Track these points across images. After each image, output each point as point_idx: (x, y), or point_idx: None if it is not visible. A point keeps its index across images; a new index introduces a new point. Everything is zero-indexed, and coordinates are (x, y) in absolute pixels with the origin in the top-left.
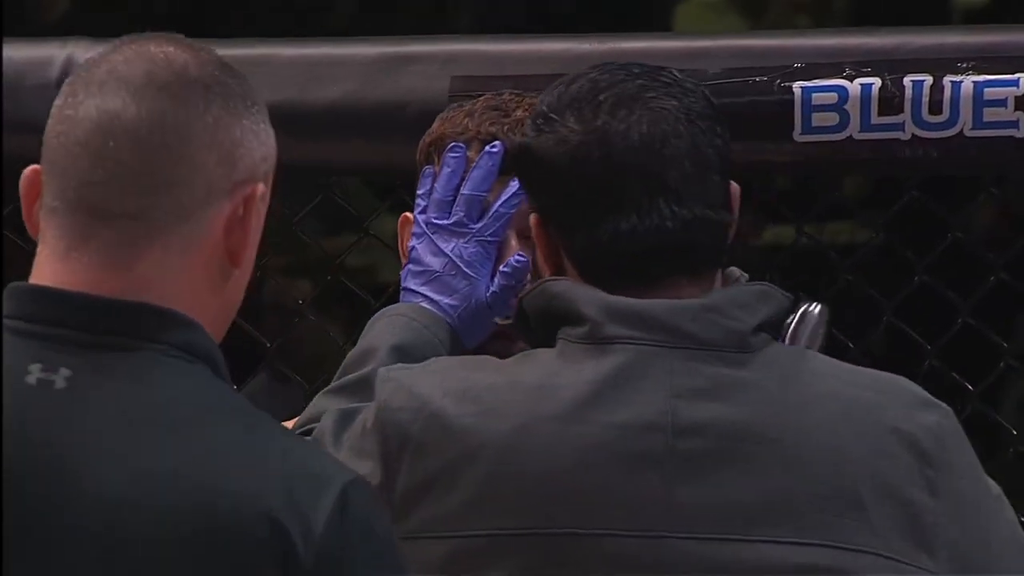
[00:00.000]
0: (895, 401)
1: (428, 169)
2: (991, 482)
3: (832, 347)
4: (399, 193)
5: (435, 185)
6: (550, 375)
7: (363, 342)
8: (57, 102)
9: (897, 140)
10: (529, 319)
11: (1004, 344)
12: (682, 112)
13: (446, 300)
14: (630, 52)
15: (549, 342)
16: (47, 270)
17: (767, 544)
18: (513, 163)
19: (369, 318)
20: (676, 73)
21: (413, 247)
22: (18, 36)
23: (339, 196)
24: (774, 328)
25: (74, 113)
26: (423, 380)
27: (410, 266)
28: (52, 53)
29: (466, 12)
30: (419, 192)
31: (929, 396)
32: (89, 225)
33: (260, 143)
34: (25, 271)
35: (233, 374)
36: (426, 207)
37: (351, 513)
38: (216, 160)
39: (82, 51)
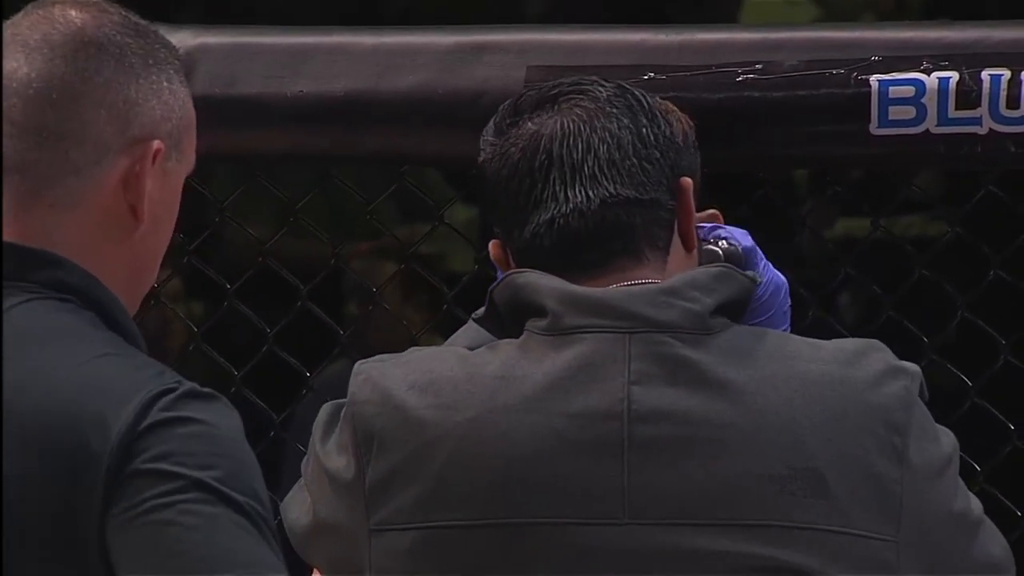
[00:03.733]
0: (862, 372)
1: None
2: (945, 440)
3: (906, 340)
4: (473, 183)
5: None
6: (510, 367)
7: (447, 342)
8: None
9: (974, 134)
10: (499, 311)
11: None
12: (600, 107)
13: None
14: (706, 43)
15: (518, 333)
16: None
17: (725, 528)
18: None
19: (442, 306)
20: (607, 79)
21: None
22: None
23: (413, 185)
24: (736, 309)
25: None
26: (390, 373)
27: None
28: None
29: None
30: None
31: (896, 361)
32: None
33: (161, 102)
34: None
35: (310, 360)
36: None
37: (152, 416)
38: (106, 118)
39: None
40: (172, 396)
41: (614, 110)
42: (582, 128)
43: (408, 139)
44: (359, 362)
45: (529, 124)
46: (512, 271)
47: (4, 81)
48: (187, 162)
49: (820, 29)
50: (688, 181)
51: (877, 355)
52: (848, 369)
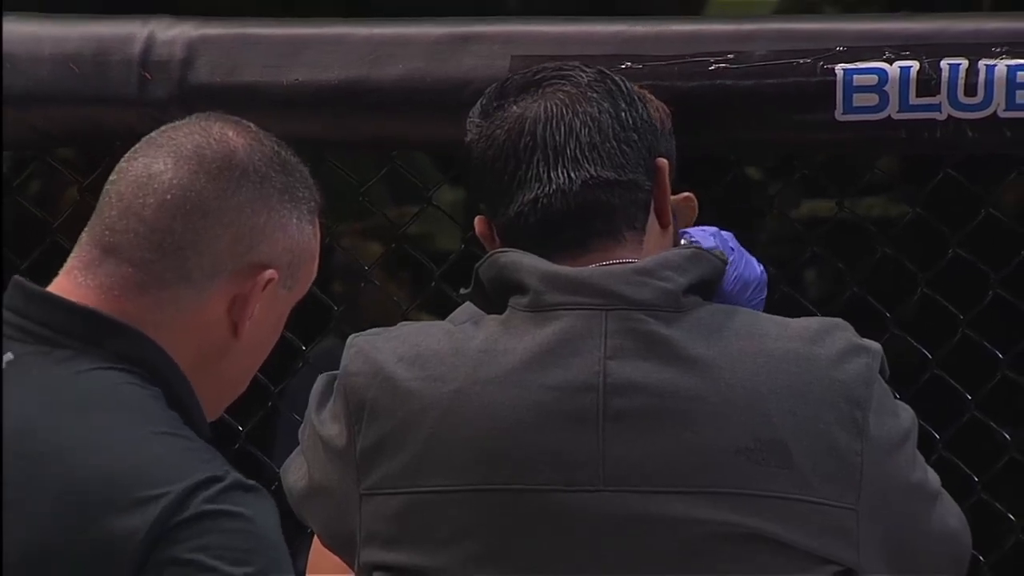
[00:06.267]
0: (825, 349)
1: None
2: (904, 415)
3: (868, 315)
4: (459, 166)
5: None
6: (493, 341)
7: (449, 317)
8: (125, 155)
9: (933, 120)
10: (484, 288)
11: None
12: (581, 91)
13: None
14: (680, 34)
15: (503, 309)
16: (56, 285)
17: (695, 495)
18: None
19: (430, 283)
20: (588, 64)
21: None
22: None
23: (403, 168)
24: (708, 288)
25: (127, 167)
26: (381, 346)
27: None
28: (135, 31)
29: None
30: None
31: (859, 339)
32: (99, 259)
33: (287, 236)
34: None
35: (303, 336)
36: None
37: (195, 507)
38: (230, 239)
39: (163, 29)
40: (217, 487)
41: (595, 94)
42: (564, 112)
43: (398, 125)
44: (352, 335)
45: (514, 107)
46: (496, 250)
47: (145, 180)
48: (299, 291)
49: (788, 21)
50: (664, 161)
51: (840, 334)
52: (812, 347)
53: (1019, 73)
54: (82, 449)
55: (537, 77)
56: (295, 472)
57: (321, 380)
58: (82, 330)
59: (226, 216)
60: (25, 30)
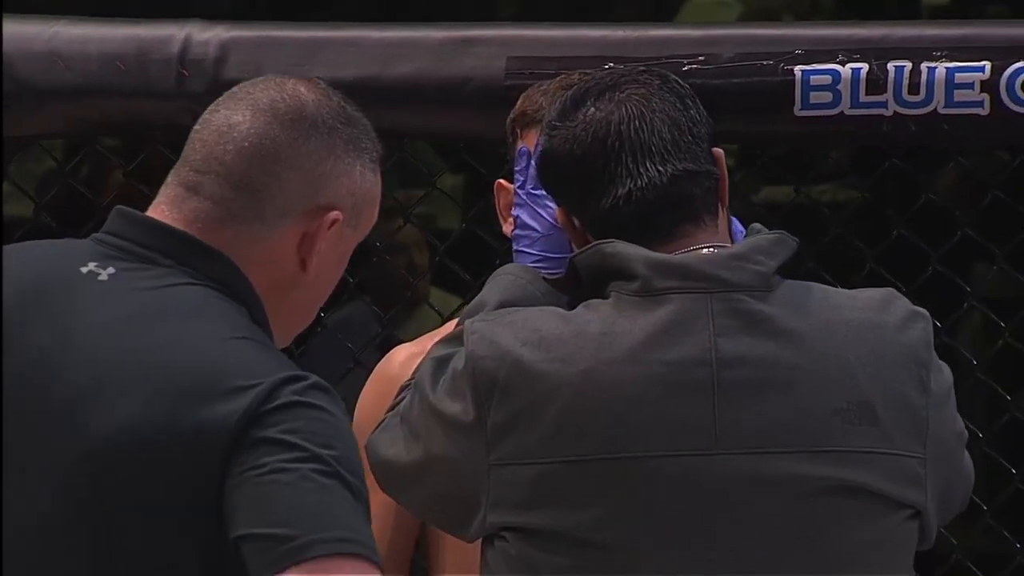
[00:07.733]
0: (891, 317)
1: (523, 148)
2: (946, 371)
3: None
4: (460, 155)
5: (531, 162)
6: (611, 324)
7: (478, 297)
8: (208, 108)
9: (881, 116)
10: (580, 276)
11: (967, 288)
12: (653, 93)
13: (553, 254)
14: (657, 38)
15: (599, 295)
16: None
17: (798, 454)
18: (537, 171)
19: (433, 258)
20: (649, 68)
21: (517, 215)
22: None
23: (411, 156)
24: (784, 269)
25: (210, 118)
26: (502, 331)
27: (517, 231)
28: (173, 32)
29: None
30: (516, 169)
31: (914, 307)
32: (184, 196)
33: (350, 180)
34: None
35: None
36: (524, 181)
37: (284, 396)
38: (300, 182)
39: (198, 31)
40: (303, 384)
41: (667, 95)
42: (644, 112)
43: (406, 118)
44: (468, 320)
45: (593, 110)
46: (599, 241)
47: (226, 129)
48: (363, 230)
49: (752, 27)
50: (720, 151)
51: (900, 302)
52: (881, 315)
53: (956, 74)
54: (175, 347)
55: (611, 82)
56: (393, 446)
57: (430, 363)
58: (177, 251)
59: (296, 162)
60: (76, 31)
